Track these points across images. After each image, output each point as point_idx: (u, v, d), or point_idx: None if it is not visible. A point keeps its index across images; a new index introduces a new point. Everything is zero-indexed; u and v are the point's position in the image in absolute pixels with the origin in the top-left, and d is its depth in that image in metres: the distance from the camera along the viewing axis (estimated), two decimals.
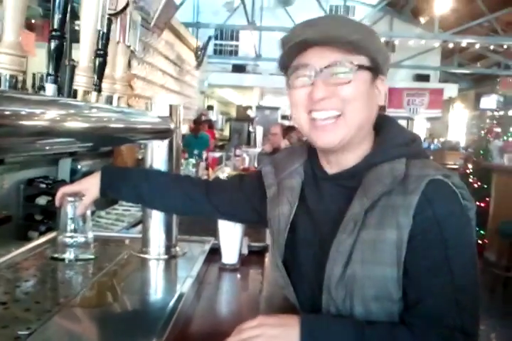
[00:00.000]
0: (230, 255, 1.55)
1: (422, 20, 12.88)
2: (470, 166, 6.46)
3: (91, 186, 1.36)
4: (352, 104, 0.92)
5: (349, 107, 0.92)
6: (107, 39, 1.19)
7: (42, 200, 4.59)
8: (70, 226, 1.41)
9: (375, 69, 0.94)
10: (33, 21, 5.20)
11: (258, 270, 1.56)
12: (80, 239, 1.42)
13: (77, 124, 0.85)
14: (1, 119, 0.60)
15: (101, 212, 2.97)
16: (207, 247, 1.59)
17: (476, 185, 5.94)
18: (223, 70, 13.15)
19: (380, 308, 0.90)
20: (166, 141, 1.48)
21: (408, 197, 0.87)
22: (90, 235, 1.45)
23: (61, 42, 0.95)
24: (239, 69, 13.28)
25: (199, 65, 10.00)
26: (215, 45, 14.20)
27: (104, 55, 1.20)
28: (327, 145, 0.95)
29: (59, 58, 0.94)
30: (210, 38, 10.20)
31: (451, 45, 11.55)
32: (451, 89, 13.92)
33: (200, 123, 8.19)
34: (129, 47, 1.39)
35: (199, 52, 9.83)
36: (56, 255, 1.41)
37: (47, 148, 0.79)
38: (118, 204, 3.39)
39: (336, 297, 0.92)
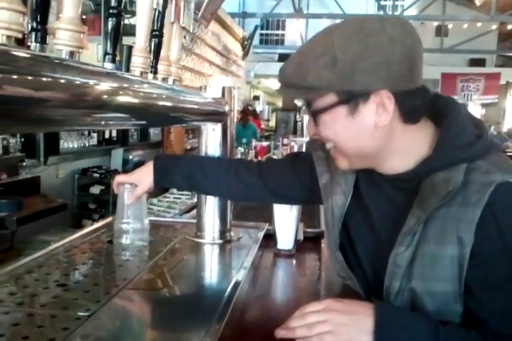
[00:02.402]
0: (285, 240, 1.51)
1: (477, 2, 12.30)
2: None
3: (143, 177, 1.35)
4: (334, 141, 0.89)
5: (335, 142, 0.89)
6: (163, 19, 1.17)
7: (95, 189, 4.72)
8: (126, 213, 1.41)
9: (351, 99, 0.82)
10: (84, 16, 5.32)
11: (315, 256, 1.51)
12: (136, 225, 1.42)
13: (132, 99, 0.83)
14: (56, 88, 0.58)
15: (153, 200, 3.00)
16: (261, 233, 1.56)
17: None
18: (269, 60, 13.06)
19: (441, 319, 0.83)
20: (220, 125, 1.45)
21: (470, 210, 0.79)
22: (146, 221, 1.44)
23: (119, 21, 0.93)
24: (285, 58, 13.08)
25: (245, 55, 9.97)
26: (261, 35, 14.12)
27: (160, 36, 1.18)
28: (343, 169, 0.95)
29: (116, 37, 0.92)
30: (256, 28, 10.14)
31: (509, 27, 10.98)
32: (508, 74, 13.25)
33: (248, 113, 8.28)
34: (183, 28, 1.36)
35: (245, 43, 9.79)
36: (114, 240, 1.41)
37: (102, 122, 0.77)
38: (169, 193, 3.44)
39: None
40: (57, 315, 0.93)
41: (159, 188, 1.43)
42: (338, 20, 0.89)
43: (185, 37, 1.30)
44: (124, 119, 0.85)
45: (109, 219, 1.65)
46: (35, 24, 0.67)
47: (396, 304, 0.87)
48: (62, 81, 0.59)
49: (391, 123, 0.83)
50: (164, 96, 1.01)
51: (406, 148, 0.88)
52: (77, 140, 4.64)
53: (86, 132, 4.81)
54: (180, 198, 3.23)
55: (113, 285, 1.10)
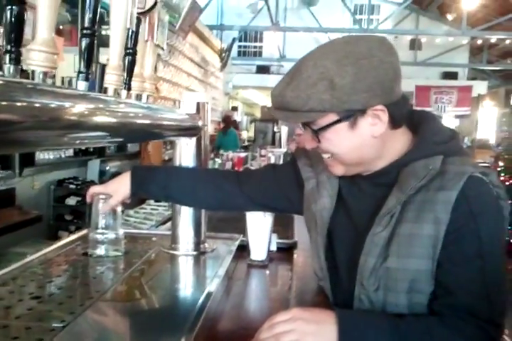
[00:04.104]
0: (258, 251, 1.55)
1: (449, 17, 12.65)
2: (501, 164, 6.33)
3: (119, 187, 1.37)
4: (336, 153, 0.96)
5: (336, 154, 0.97)
6: (136, 38, 1.21)
7: (72, 201, 4.69)
8: (101, 223, 1.43)
9: (351, 115, 0.91)
10: (61, 27, 5.31)
11: (287, 266, 1.55)
12: (111, 235, 1.44)
13: (106, 118, 0.86)
14: (32, 111, 0.60)
15: (130, 211, 3.01)
16: (235, 244, 1.60)
17: (507, 183, 5.81)
18: (247, 71, 13.17)
19: (411, 300, 0.92)
20: (194, 139, 1.49)
21: (447, 193, 0.89)
22: (121, 232, 1.47)
23: (92, 40, 0.96)
24: (263, 70, 13.28)
25: (223, 66, 10.05)
26: (239, 46, 14.24)
27: (134, 54, 1.21)
28: (337, 175, 1.03)
29: (90, 56, 0.95)
30: (234, 40, 10.24)
31: (479, 42, 11.32)
32: (480, 87, 13.62)
33: (229, 121, 8.53)
34: (157, 46, 1.40)
35: (223, 54, 9.88)
36: (87, 251, 1.43)
37: (77, 142, 0.80)
38: (146, 204, 3.44)
39: (368, 288, 0.94)
40: (32, 326, 0.95)
41: (134, 200, 1.45)
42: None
43: (162, 48, 1.34)
44: (99, 138, 0.88)
45: (84, 232, 1.66)
46: (9, 46, 0.70)
47: (369, 284, 0.94)
48: (37, 104, 0.61)
49: (384, 130, 0.93)
50: (140, 115, 1.05)
51: (391, 150, 0.98)
52: (53, 151, 4.61)
53: None
54: (157, 209, 3.24)
55: (87, 297, 1.12)
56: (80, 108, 0.74)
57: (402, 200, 0.92)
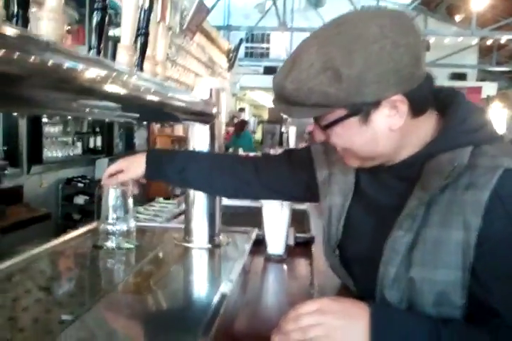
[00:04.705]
0: (276, 245, 1.48)
1: (458, 18, 12.54)
2: None
3: (132, 164, 1.30)
4: (349, 148, 0.86)
5: (349, 149, 0.86)
6: (149, 18, 1.15)
7: (80, 199, 4.64)
8: (112, 214, 1.37)
9: (362, 109, 0.79)
10: (69, 27, 5.29)
11: (306, 261, 1.48)
12: (122, 227, 1.38)
13: (120, 88, 0.80)
14: (44, 68, 0.55)
15: (139, 208, 2.95)
16: (251, 237, 1.53)
17: None
18: (254, 72, 13.12)
19: (439, 314, 0.80)
20: (208, 127, 1.43)
21: (477, 192, 0.76)
22: (132, 223, 1.40)
23: (104, 14, 0.91)
24: (270, 71, 13.20)
25: (231, 67, 10.00)
26: (246, 48, 14.20)
27: (146, 35, 1.15)
28: (352, 167, 0.93)
29: (101, 30, 0.89)
30: (241, 40, 10.19)
31: (489, 42, 11.20)
32: (489, 88, 13.48)
33: (243, 124, 8.42)
34: (170, 29, 1.34)
35: (231, 55, 9.83)
36: (98, 243, 1.37)
37: (86, 110, 0.73)
38: (155, 202, 3.38)
39: (390, 299, 0.83)
40: (40, 318, 0.88)
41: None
42: None
43: (170, 47, 1.28)
44: (111, 108, 0.82)
45: (94, 224, 1.60)
46: (16, 9, 0.64)
47: (391, 295, 0.83)
48: (51, 62, 0.56)
49: (404, 120, 0.81)
50: (153, 90, 0.99)
51: (414, 139, 0.86)
52: (61, 149, 4.57)
53: (70, 141, 4.75)
54: (167, 207, 3.18)
55: (98, 289, 1.06)
56: (95, 73, 0.68)
57: (425, 201, 0.80)
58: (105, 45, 0.99)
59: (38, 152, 4.19)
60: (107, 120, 1.05)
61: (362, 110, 0.78)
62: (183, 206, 1.84)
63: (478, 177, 0.77)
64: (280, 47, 13.18)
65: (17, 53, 0.50)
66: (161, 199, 3.39)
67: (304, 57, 0.77)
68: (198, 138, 1.42)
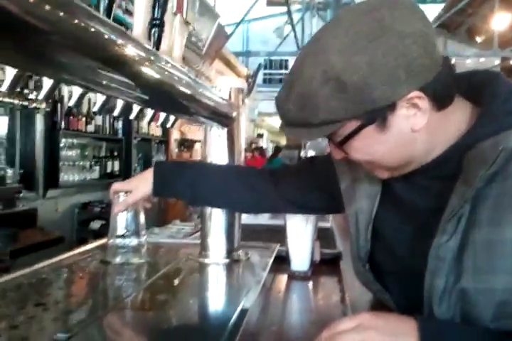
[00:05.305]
0: (300, 260, 1.34)
1: (479, 39, 12.48)
2: None
3: (139, 184, 1.20)
4: (373, 160, 0.75)
5: (374, 161, 0.76)
6: (165, 6, 1.06)
7: (96, 224, 4.55)
8: (121, 228, 1.26)
9: (376, 116, 0.69)
10: None
11: (334, 278, 1.33)
12: (132, 241, 1.26)
13: (148, 70, 0.77)
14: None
15: (155, 229, 2.84)
16: (273, 253, 1.39)
17: None
18: (273, 99, 13.09)
19: (498, 328, 0.67)
20: (226, 130, 1.32)
21: None
22: (143, 238, 1.29)
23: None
24: None
25: (249, 93, 10.02)
26: (265, 74, 14.30)
27: (162, 25, 1.07)
28: (383, 178, 0.81)
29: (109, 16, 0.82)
30: (260, 66, 10.18)
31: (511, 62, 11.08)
32: None
33: (277, 150, 8.44)
34: (187, 24, 1.25)
35: (249, 80, 9.87)
36: (106, 258, 1.25)
37: (104, 82, 0.69)
38: (172, 223, 3.27)
39: (440, 315, 0.70)
40: (30, 336, 0.76)
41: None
42: None
43: (194, 28, 1.21)
44: (131, 88, 0.76)
45: (104, 240, 1.49)
46: None
47: (441, 310, 0.69)
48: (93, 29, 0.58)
49: (428, 117, 0.69)
50: (184, 82, 0.92)
51: (444, 135, 0.74)
52: (78, 173, 4.51)
53: (88, 165, 4.70)
54: (183, 228, 3.06)
55: (102, 305, 0.93)
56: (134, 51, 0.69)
57: (469, 197, 0.68)
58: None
59: (54, 176, 4.14)
60: (118, 98, 0.97)
61: (377, 117, 0.68)
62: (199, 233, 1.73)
63: None
64: None
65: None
66: (177, 221, 3.28)
67: (303, 69, 0.69)
68: (215, 143, 1.31)
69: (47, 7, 0.50)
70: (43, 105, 3.81)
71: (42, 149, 4.00)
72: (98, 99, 0.90)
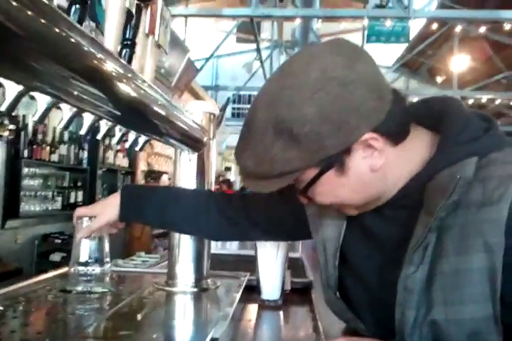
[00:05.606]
0: (271, 289, 1.30)
1: (439, 79, 13.00)
2: None
3: (105, 208, 1.15)
4: (338, 201, 0.76)
5: (338, 202, 0.76)
6: (136, 26, 1.05)
7: (56, 257, 4.38)
8: (84, 254, 1.19)
9: (333, 162, 0.69)
10: None
11: (306, 307, 1.30)
12: (95, 269, 1.20)
13: (126, 87, 0.77)
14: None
15: (118, 261, 2.74)
16: (243, 282, 1.35)
17: None
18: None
19: None
20: (196, 155, 1.30)
21: (493, 208, 0.65)
22: (107, 265, 1.22)
23: (83, 10, 0.81)
24: None
25: (218, 126, 10.07)
26: (233, 108, 14.43)
27: (133, 46, 1.05)
28: (353, 215, 0.80)
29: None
30: (228, 100, 10.33)
31: (470, 102, 11.53)
32: None
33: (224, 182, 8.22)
34: (158, 47, 1.25)
35: (218, 114, 9.94)
36: (67, 287, 1.18)
37: (75, 93, 0.66)
38: (136, 255, 3.17)
39: None
40: None
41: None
42: None
43: (165, 51, 1.19)
44: (104, 101, 0.74)
45: (65, 269, 1.41)
46: None
47: None
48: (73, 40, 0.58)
49: (386, 154, 0.70)
50: (159, 102, 0.91)
51: (408, 165, 0.74)
52: (40, 203, 4.36)
53: (50, 195, 4.55)
54: (148, 261, 2.96)
55: (61, 334, 0.87)
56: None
57: (433, 227, 0.67)
58: None
59: (15, 206, 3.99)
60: (88, 112, 0.93)
61: (334, 162, 0.69)
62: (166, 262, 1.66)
63: (492, 191, 0.66)
64: None
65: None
66: (142, 253, 3.18)
67: (255, 125, 0.70)
68: (185, 167, 1.28)
69: (29, 13, 0.50)
70: (6, 133, 3.71)
71: (3, 178, 3.87)
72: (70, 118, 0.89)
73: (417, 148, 0.74)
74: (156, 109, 0.92)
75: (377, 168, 0.70)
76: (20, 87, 0.70)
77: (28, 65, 0.55)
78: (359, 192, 0.73)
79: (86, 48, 0.63)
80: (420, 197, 0.71)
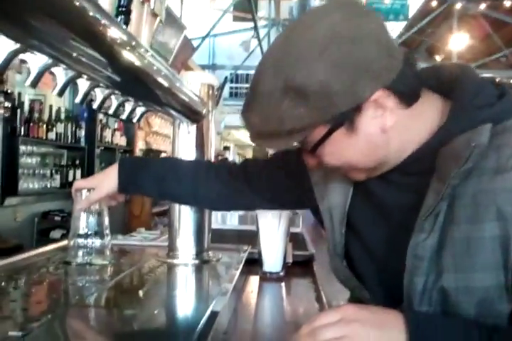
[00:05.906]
0: (273, 261, 1.30)
1: (438, 58, 12.90)
2: None
3: (104, 180, 1.14)
4: (346, 163, 0.74)
5: (347, 164, 0.75)
6: None
7: (56, 234, 4.38)
8: (83, 226, 1.18)
9: (343, 119, 0.68)
10: None
11: (309, 279, 1.29)
12: (95, 241, 1.19)
13: (130, 55, 0.75)
14: None
15: (118, 236, 2.74)
16: (244, 254, 1.34)
17: None
18: (239, 112, 13.12)
19: None
20: (195, 127, 1.27)
21: (509, 176, 0.64)
22: (107, 238, 1.21)
23: None
24: None
25: (216, 105, 10.00)
26: (231, 88, 14.32)
27: (128, 13, 1.02)
28: (360, 180, 0.79)
29: None
30: (226, 79, 10.21)
31: None
32: None
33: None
34: (155, 16, 1.21)
35: (215, 94, 9.86)
36: (67, 259, 1.17)
37: (74, 54, 0.64)
38: (136, 232, 3.18)
39: None
40: None
41: (125, 195, 1.20)
42: None
43: (161, 21, 1.16)
44: (100, 65, 0.72)
45: (65, 242, 1.40)
46: None
47: (422, 309, 0.68)
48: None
49: (396, 115, 0.69)
50: (163, 73, 0.90)
51: (418, 130, 0.72)
52: (38, 181, 4.34)
53: (48, 173, 4.53)
54: (148, 237, 2.97)
55: (60, 303, 0.86)
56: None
57: (445, 194, 0.66)
58: None
59: (13, 183, 3.97)
60: (85, 77, 0.90)
61: (344, 120, 0.68)
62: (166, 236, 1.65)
63: (507, 157, 0.65)
64: None
65: None
66: (142, 229, 3.18)
67: (262, 84, 0.69)
68: (184, 139, 1.26)
69: None
70: (1, 110, 3.66)
71: (0, 156, 3.84)
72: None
73: (427, 113, 0.73)
74: (158, 79, 0.90)
75: (387, 129, 0.69)
76: (12, 47, 0.67)
77: (26, 21, 0.53)
78: (368, 153, 0.72)
79: (88, 11, 0.61)
80: (431, 164, 0.70)
